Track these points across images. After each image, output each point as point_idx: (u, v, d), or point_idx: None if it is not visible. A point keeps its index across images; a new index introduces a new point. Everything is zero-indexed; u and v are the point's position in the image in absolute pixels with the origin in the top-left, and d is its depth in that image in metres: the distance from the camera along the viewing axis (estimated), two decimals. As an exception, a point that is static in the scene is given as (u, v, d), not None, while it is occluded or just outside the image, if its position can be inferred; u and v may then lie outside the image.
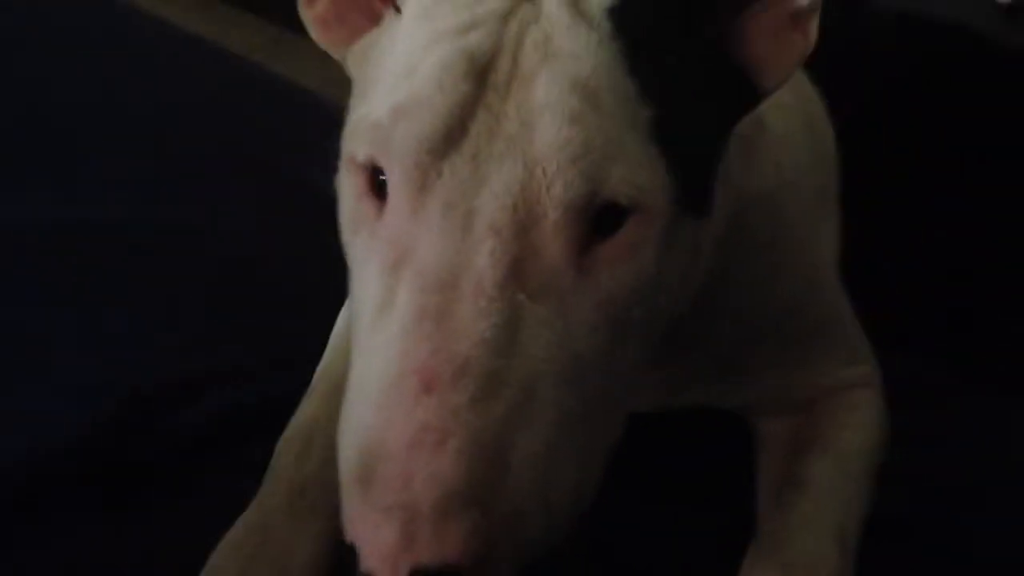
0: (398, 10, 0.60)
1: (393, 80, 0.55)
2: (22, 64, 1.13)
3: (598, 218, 0.52)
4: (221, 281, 0.92)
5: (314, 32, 0.65)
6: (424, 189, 0.52)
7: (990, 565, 0.76)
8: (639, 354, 0.57)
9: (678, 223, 0.55)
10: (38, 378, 0.80)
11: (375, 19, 0.62)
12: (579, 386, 0.52)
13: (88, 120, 1.07)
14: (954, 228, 1.34)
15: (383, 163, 0.54)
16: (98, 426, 0.77)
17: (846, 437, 0.78)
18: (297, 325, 0.88)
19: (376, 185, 0.55)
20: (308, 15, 0.65)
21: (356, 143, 0.56)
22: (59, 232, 0.91)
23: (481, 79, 0.53)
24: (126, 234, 0.93)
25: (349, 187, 0.57)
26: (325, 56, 0.67)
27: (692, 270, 0.59)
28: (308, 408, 0.74)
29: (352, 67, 0.64)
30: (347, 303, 0.84)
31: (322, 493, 0.68)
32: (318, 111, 1.19)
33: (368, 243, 0.55)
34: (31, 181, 0.97)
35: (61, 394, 0.79)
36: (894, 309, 0.90)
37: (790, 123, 0.76)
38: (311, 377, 0.78)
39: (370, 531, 0.48)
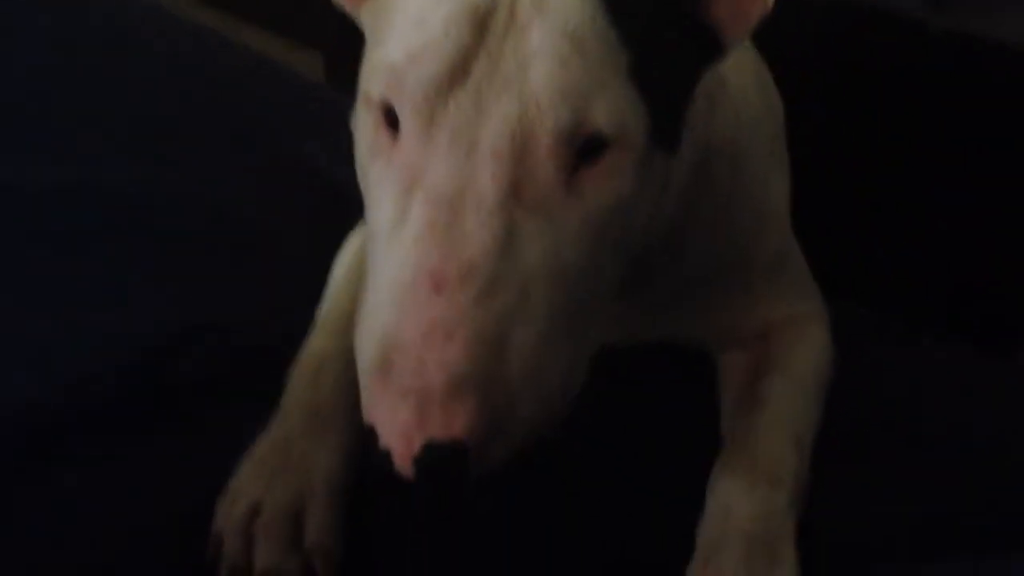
0: None
1: (406, 29, 0.62)
2: (27, 45, 1.17)
3: (584, 146, 0.60)
4: (218, 239, 0.97)
5: None
6: (433, 121, 0.59)
7: (907, 472, 0.84)
8: (614, 270, 0.65)
9: (651, 155, 0.63)
10: (55, 325, 0.84)
11: None
12: (566, 290, 0.60)
13: (90, 93, 1.11)
14: (888, 189, 1.45)
15: (396, 100, 0.61)
16: (109, 369, 0.82)
17: (798, 360, 0.86)
18: (291, 279, 0.95)
19: (390, 119, 0.62)
20: None
21: (373, 83, 0.63)
22: (60, 191, 0.96)
23: (482, 28, 0.60)
24: (127, 195, 0.97)
25: (366, 122, 0.64)
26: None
27: (662, 200, 0.67)
28: (316, 342, 0.81)
29: (366, 19, 0.70)
30: (340, 252, 0.91)
31: (334, 412, 0.75)
32: (312, 93, 1.26)
33: (384, 170, 0.62)
34: (33, 144, 1.01)
35: (74, 340, 0.84)
36: (833, 259, 0.98)
37: (744, 79, 0.85)
38: (305, 321, 0.85)
39: (388, 412, 0.55)
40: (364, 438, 0.58)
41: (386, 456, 0.55)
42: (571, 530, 0.76)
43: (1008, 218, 1.42)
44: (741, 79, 0.83)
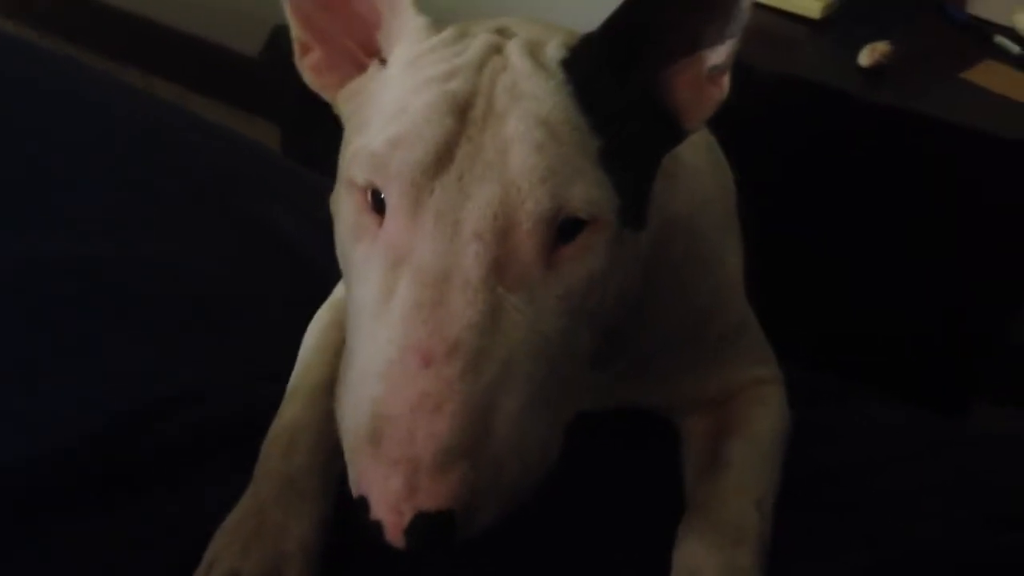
0: (383, 62, 0.71)
1: (386, 117, 0.65)
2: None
3: (561, 226, 0.63)
4: (188, 309, 0.98)
5: (307, 77, 0.75)
6: (419, 204, 0.62)
7: (871, 522, 0.87)
8: (590, 341, 0.67)
9: (621, 233, 0.66)
10: (28, 396, 0.85)
11: (361, 67, 0.73)
12: (547, 361, 0.62)
13: (53, 167, 1.12)
14: (833, 255, 1.51)
15: (381, 185, 0.64)
16: (87, 438, 0.82)
17: (758, 423, 0.89)
18: (259, 347, 0.96)
19: (374, 202, 0.65)
20: (303, 63, 0.75)
21: (356, 168, 0.65)
22: (33, 265, 0.96)
23: (462, 116, 0.63)
24: (99, 268, 0.98)
25: (349, 205, 0.66)
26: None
27: (632, 273, 0.70)
28: (289, 411, 0.82)
29: (342, 106, 0.73)
30: (311, 325, 0.92)
31: (308, 480, 0.77)
32: (273, 160, 1.28)
33: (369, 249, 0.65)
34: (5, 221, 1.02)
35: (51, 410, 0.84)
36: (782, 324, 1.02)
37: (698, 159, 0.88)
38: (276, 392, 0.85)
39: (379, 483, 0.57)
40: (351, 508, 0.60)
41: (377, 527, 0.57)
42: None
43: (954, 279, 1.48)
44: (696, 159, 0.87)
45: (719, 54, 0.68)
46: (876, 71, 1.47)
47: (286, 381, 0.86)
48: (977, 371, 1.54)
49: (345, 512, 0.75)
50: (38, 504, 0.77)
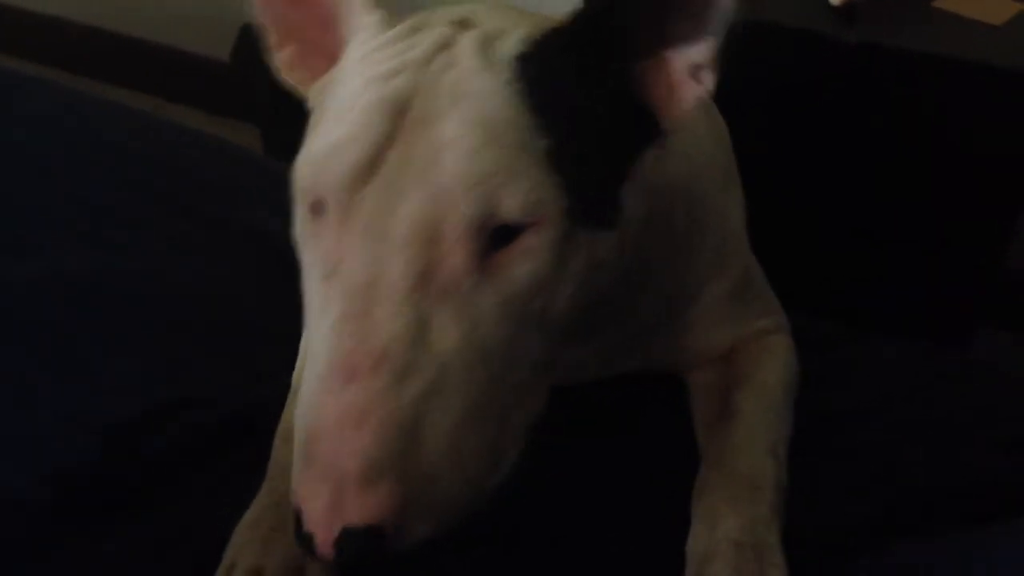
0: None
1: (332, 119, 0.65)
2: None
3: (495, 232, 0.61)
4: (182, 316, 0.98)
5: (282, 72, 0.75)
6: (349, 212, 0.61)
7: (884, 469, 0.88)
8: (546, 341, 0.65)
9: (572, 234, 0.63)
10: (29, 414, 0.86)
11: (333, 61, 0.72)
12: (487, 370, 0.60)
13: (34, 185, 1.12)
14: (820, 198, 1.50)
15: (320, 192, 0.63)
16: (90, 452, 0.82)
17: (767, 372, 0.89)
18: (255, 348, 0.96)
19: (316, 209, 0.64)
20: (277, 60, 0.75)
21: (300, 175, 0.65)
22: (24, 285, 0.97)
23: (400, 118, 0.62)
24: (87, 282, 0.98)
25: (297, 211, 0.66)
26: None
27: (601, 273, 0.67)
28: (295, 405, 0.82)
29: (313, 101, 0.73)
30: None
31: None
32: (254, 162, 1.27)
33: (311, 258, 0.64)
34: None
35: (52, 427, 0.84)
36: (777, 272, 1.02)
37: (695, 119, 0.85)
38: (277, 390, 0.86)
39: (308, 499, 0.57)
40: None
41: (309, 539, 0.57)
42: (562, 559, 0.78)
43: (946, 210, 1.47)
44: (692, 122, 0.84)
45: (699, 52, 0.66)
46: (847, 9, 1.46)
47: (286, 379, 0.86)
48: (978, 299, 1.54)
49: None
50: (50, 524, 0.77)
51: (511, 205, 0.60)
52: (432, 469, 0.58)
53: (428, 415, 0.58)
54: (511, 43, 0.65)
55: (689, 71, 0.67)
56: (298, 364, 0.87)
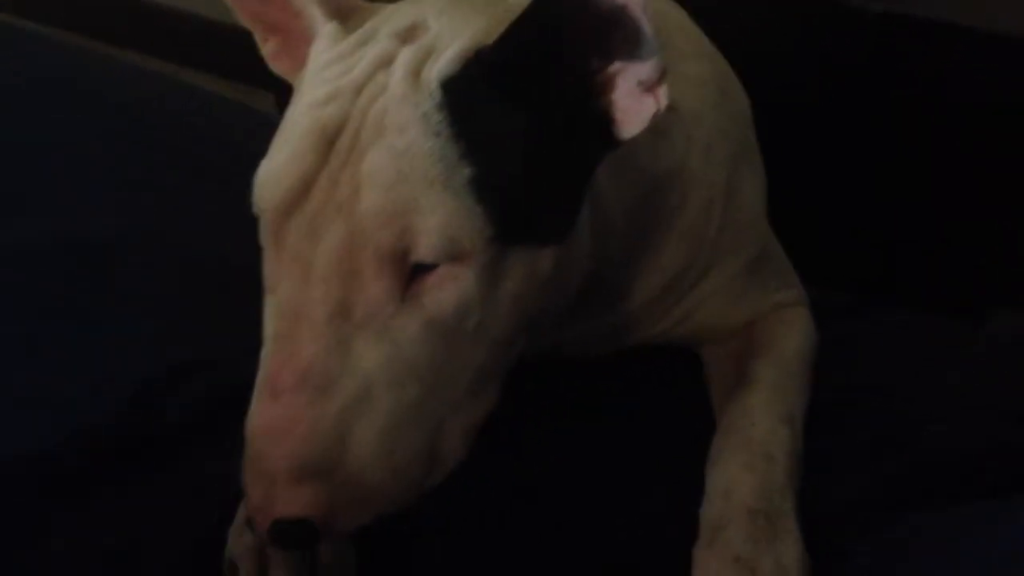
0: None
1: (279, 138, 0.67)
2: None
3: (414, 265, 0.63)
4: (188, 280, 0.98)
5: (270, 63, 0.77)
6: (279, 240, 0.64)
7: (898, 440, 0.88)
8: (488, 351, 0.67)
9: (503, 257, 0.64)
10: (46, 374, 0.86)
11: None
12: (418, 384, 0.64)
13: (47, 145, 1.12)
14: (843, 171, 1.49)
15: (260, 216, 0.66)
16: (111, 412, 0.83)
17: (783, 342, 0.89)
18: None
19: None
20: (264, 50, 0.77)
21: (254, 191, 0.66)
22: (32, 245, 0.97)
23: (329, 148, 0.63)
24: (99, 245, 0.98)
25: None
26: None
27: (537, 285, 0.68)
28: None
29: (296, 91, 0.72)
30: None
31: None
32: (269, 124, 1.27)
33: (264, 272, 0.67)
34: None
35: (65, 391, 0.85)
36: (801, 245, 1.01)
37: (698, 101, 0.85)
38: None
39: (248, 488, 0.62)
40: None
41: (252, 522, 0.63)
42: (576, 520, 0.78)
43: (964, 186, 1.46)
44: (694, 101, 0.84)
45: (644, 70, 0.64)
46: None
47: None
48: (993, 271, 1.52)
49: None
50: (62, 486, 0.78)
51: (425, 240, 0.61)
52: (360, 470, 0.62)
53: (353, 425, 0.62)
54: (442, 63, 0.64)
55: (640, 87, 0.65)
56: None
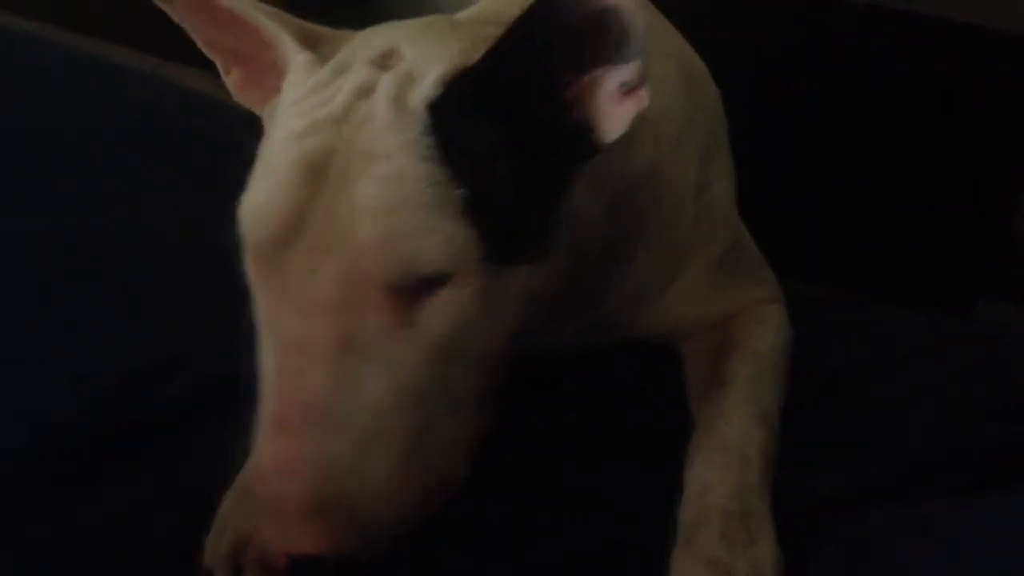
0: None
1: (260, 173, 0.65)
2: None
3: (415, 287, 0.62)
4: (180, 277, 0.98)
5: (233, 93, 0.76)
6: (273, 275, 0.63)
7: (875, 435, 0.88)
8: (484, 370, 0.68)
9: (496, 276, 0.64)
10: (22, 370, 0.85)
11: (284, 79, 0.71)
12: (425, 408, 0.64)
13: (36, 142, 1.12)
14: (827, 163, 1.49)
15: (248, 249, 0.65)
16: (83, 408, 0.82)
17: (759, 341, 0.89)
18: (246, 306, 0.95)
19: None
20: (228, 81, 0.76)
21: (240, 224, 0.65)
22: (22, 240, 0.97)
23: (319, 179, 0.62)
24: (89, 239, 0.98)
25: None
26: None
27: (528, 301, 0.68)
28: None
29: (266, 122, 0.73)
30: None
31: None
32: (259, 126, 1.26)
33: (257, 298, 0.66)
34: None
35: (43, 387, 0.84)
36: (785, 239, 1.01)
37: (665, 98, 0.85)
38: None
39: (256, 529, 0.62)
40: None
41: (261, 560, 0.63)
42: (551, 517, 0.78)
43: (950, 179, 1.46)
44: (661, 99, 0.83)
45: (626, 72, 0.64)
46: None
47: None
48: (980, 268, 1.53)
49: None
50: (41, 483, 0.77)
51: (428, 261, 0.61)
52: (374, 503, 0.61)
53: (365, 458, 0.61)
54: (425, 88, 0.64)
55: (621, 90, 0.65)
56: None
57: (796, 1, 1.43)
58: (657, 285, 0.89)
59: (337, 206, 0.61)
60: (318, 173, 0.62)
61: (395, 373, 0.62)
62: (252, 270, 0.65)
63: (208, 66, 0.79)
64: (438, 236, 0.61)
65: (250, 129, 1.22)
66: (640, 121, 0.74)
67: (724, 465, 0.76)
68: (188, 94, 1.30)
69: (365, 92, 0.65)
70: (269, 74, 0.73)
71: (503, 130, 0.64)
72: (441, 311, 0.63)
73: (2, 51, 1.31)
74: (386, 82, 0.65)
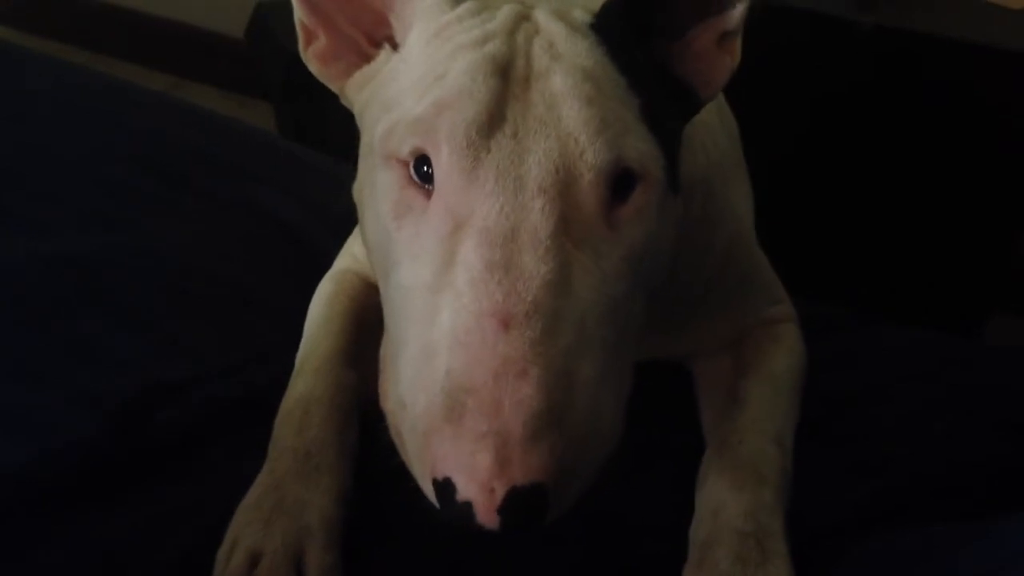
0: (394, 47, 0.71)
1: (423, 87, 0.65)
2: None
3: (616, 183, 0.62)
4: (189, 297, 0.98)
5: (314, 67, 0.74)
6: (476, 163, 0.61)
7: (887, 452, 0.88)
8: (645, 302, 0.67)
9: (667, 193, 0.66)
10: (34, 391, 0.85)
11: (364, 57, 0.73)
12: (615, 326, 0.61)
13: (40, 164, 1.12)
14: (836, 184, 1.49)
15: (430, 150, 0.62)
16: (97, 429, 0.82)
17: (774, 361, 0.89)
18: (263, 326, 0.96)
19: (419, 174, 0.64)
20: (309, 53, 0.74)
21: (396, 140, 0.64)
22: (20, 266, 0.96)
23: (505, 77, 0.64)
24: (87, 263, 0.98)
25: (389, 182, 0.65)
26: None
27: (675, 237, 0.70)
28: (299, 385, 0.82)
29: (352, 96, 0.73)
30: (314, 299, 0.92)
31: (324, 453, 0.76)
32: (263, 141, 1.27)
33: (418, 223, 0.63)
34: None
35: (54, 407, 0.84)
36: (791, 258, 1.01)
37: (710, 114, 0.87)
38: (278, 370, 0.86)
39: (466, 461, 0.54)
40: (429, 493, 0.57)
41: (466, 509, 0.54)
42: (563, 535, 0.77)
43: (959, 197, 1.46)
44: (707, 115, 0.85)
45: (731, 18, 0.68)
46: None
47: (286, 360, 0.86)
48: (989, 286, 1.52)
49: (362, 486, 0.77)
50: (52, 502, 0.77)
51: (631, 151, 0.62)
52: (581, 426, 0.56)
53: (576, 368, 0.57)
54: (580, 14, 0.68)
55: (720, 42, 0.69)
56: (304, 342, 0.87)
57: (804, 22, 1.43)
58: (689, 299, 0.88)
59: (532, 96, 0.63)
60: (504, 71, 0.63)
61: (600, 273, 0.61)
62: (444, 165, 0.62)
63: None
64: (636, 131, 0.63)
65: (260, 150, 1.24)
66: (694, 128, 0.78)
67: (738, 485, 0.76)
68: (198, 115, 1.30)
69: (523, 17, 0.68)
70: (351, 51, 0.73)
71: (648, 58, 0.68)
72: (634, 218, 0.63)
73: (12, 72, 1.31)
74: (541, 11, 0.68)
